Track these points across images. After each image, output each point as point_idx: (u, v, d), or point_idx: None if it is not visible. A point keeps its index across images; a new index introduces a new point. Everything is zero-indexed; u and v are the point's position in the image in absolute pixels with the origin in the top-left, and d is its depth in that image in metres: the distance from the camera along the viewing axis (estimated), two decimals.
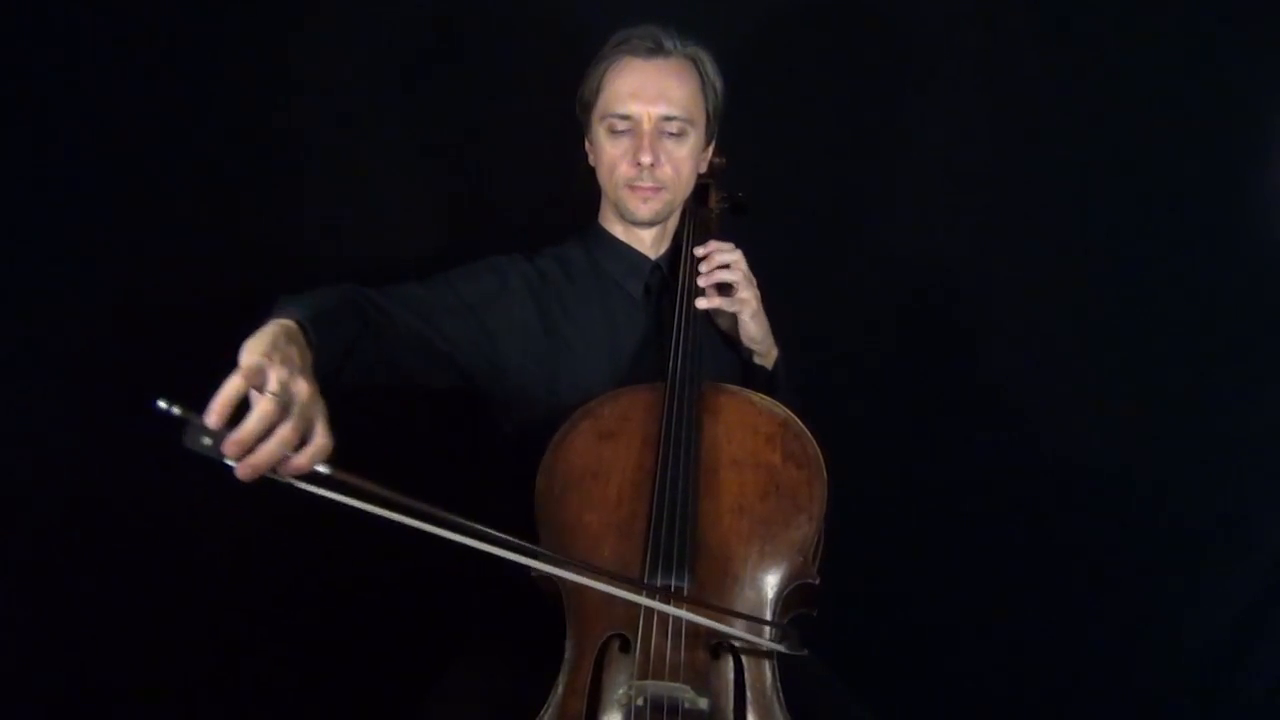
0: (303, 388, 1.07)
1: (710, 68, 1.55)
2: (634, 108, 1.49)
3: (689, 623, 1.21)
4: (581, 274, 1.60)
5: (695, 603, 1.23)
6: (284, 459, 1.04)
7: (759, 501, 1.33)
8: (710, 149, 1.62)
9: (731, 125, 1.61)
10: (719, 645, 1.24)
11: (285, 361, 1.09)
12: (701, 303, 1.51)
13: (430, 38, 1.97)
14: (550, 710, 1.20)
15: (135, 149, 1.85)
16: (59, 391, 1.82)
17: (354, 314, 1.33)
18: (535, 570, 1.26)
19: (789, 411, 1.41)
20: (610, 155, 1.52)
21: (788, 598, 1.29)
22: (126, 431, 1.84)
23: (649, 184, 1.52)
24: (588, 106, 1.55)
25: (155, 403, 0.99)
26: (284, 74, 1.90)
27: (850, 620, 1.59)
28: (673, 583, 1.24)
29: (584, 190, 1.63)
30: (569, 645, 1.25)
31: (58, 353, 1.82)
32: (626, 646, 1.23)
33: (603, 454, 1.34)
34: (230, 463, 1.03)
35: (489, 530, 1.13)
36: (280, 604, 1.95)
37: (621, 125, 1.50)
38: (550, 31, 1.95)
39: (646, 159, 1.49)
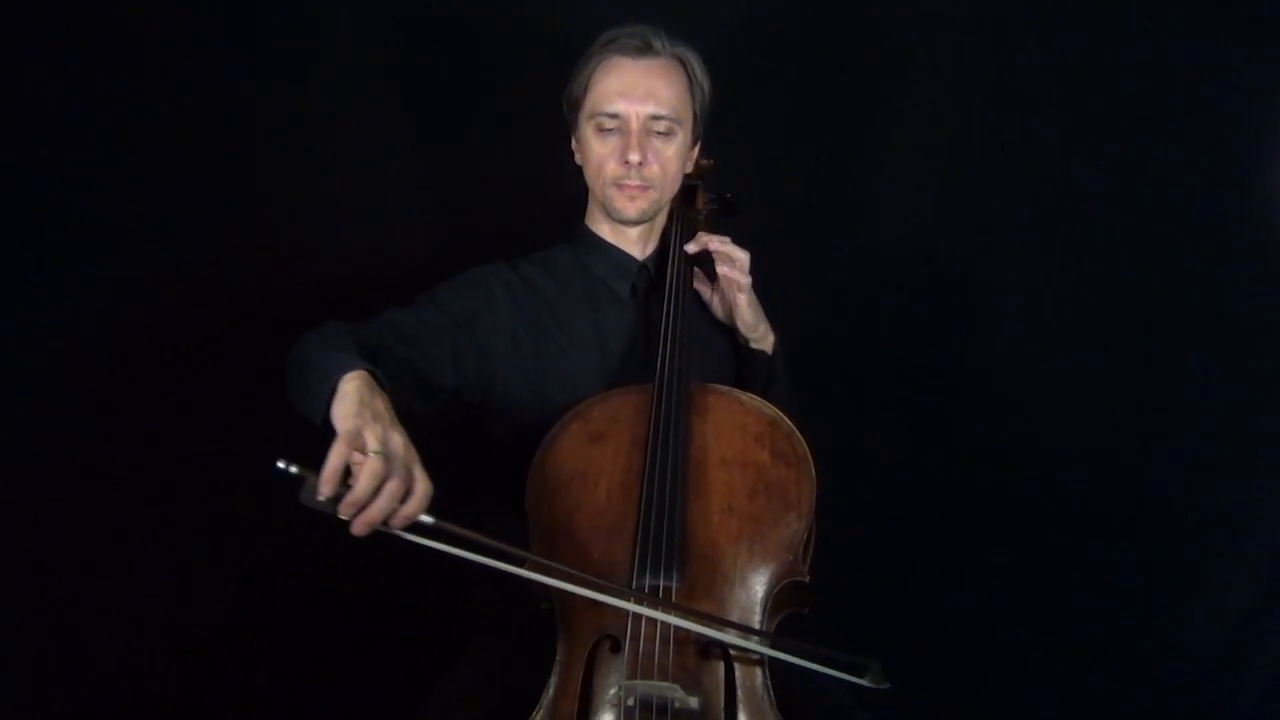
0: (397, 440, 1.14)
1: (698, 68, 1.55)
2: (622, 106, 1.50)
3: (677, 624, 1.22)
4: (568, 276, 1.60)
5: (683, 607, 1.23)
6: (393, 511, 1.11)
7: (748, 500, 1.33)
8: (697, 149, 1.63)
9: (719, 125, 1.61)
10: (709, 645, 1.25)
11: (377, 418, 1.14)
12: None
13: (416, 37, 1.98)
14: (542, 711, 1.21)
15: (128, 149, 1.85)
16: (59, 391, 1.83)
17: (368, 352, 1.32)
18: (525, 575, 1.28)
19: (777, 410, 1.42)
20: (598, 154, 1.53)
21: (778, 596, 1.30)
22: (126, 432, 1.87)
23: (636, 182, 1.52)
24: (575, 105, 1.55)
25: (276, 463, 1.05)
26: (274, 74, 1.90)
27: (846, 619, 1.59)
28: (661, 583, 1.25)
29: (570, 190, 1.63)
30: (560, 646, 1.26)
31: (58, 354, 1.83)
32: (617, 647, 1.24)
33: (592, 455, 1.35)
34: (344, 518, 1.10)
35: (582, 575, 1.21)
36: (280, 604, 1.96)
37: (609, 124, 1.51)
38: (536, 30, 1.95)
39: (634, 157, 1.50)
